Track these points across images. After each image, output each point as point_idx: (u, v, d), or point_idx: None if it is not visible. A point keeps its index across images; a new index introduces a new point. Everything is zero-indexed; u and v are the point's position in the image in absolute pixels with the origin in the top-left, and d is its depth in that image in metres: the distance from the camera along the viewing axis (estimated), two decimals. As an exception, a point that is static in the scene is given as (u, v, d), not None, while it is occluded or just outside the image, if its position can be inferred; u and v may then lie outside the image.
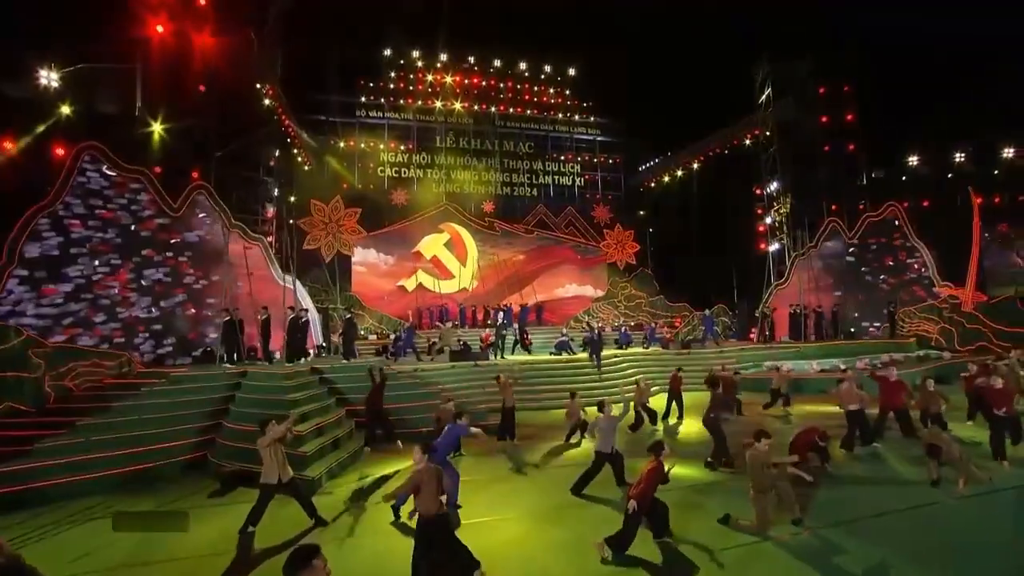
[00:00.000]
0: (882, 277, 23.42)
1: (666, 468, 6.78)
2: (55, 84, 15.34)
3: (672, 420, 13.89)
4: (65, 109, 15.48)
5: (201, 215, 16.11)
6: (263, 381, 12.42)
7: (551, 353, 19.41)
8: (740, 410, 14.15)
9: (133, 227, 15.33)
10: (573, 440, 11.92)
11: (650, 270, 31.38)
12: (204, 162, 17.60)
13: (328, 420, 11.53)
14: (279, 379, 12.13)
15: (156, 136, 16.63)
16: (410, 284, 28.98)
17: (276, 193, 21.14)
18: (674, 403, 13.89)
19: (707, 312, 23.79)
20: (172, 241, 15.75)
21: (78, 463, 9.52)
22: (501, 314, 19.53)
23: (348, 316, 16.87)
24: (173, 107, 16.55)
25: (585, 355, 18.72)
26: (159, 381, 12.34)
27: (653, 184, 33.92)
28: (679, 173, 31.51)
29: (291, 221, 23.48)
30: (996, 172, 26.44)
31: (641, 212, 33.23)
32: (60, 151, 15.32)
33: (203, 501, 8.83)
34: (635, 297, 28.97)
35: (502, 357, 18.57)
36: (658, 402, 14.18)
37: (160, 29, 16.26)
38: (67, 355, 12.71)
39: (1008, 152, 26.63)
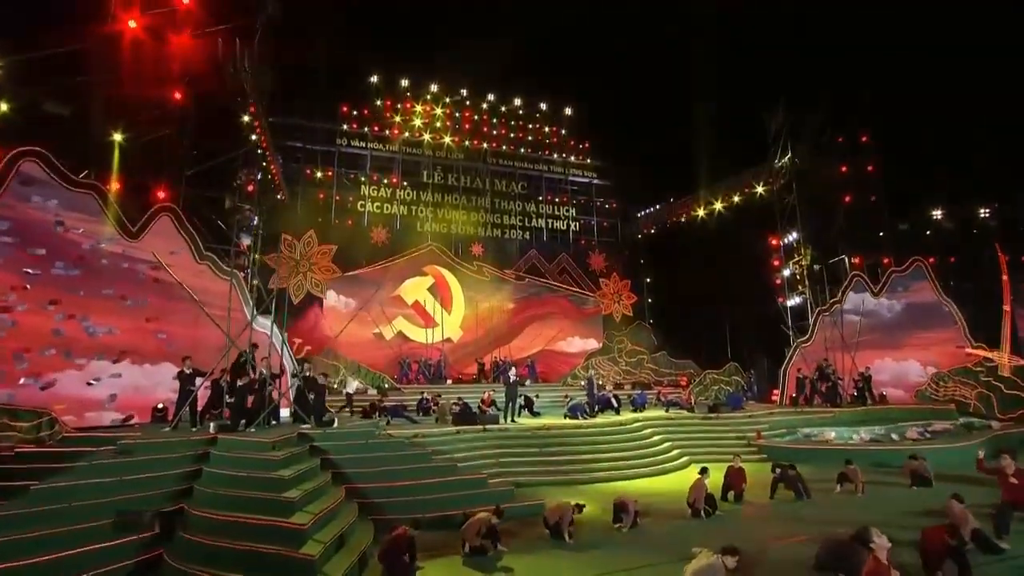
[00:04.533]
0: (912, 335, 22.04)
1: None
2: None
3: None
4: (2, 106, 12.69)
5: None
6: (241, 451, 9.53)
7: (565, 416, 16.95)
8: (807, 491, 12.04)
9: (79, 254, 12.48)
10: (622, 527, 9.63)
11: (649, 323, 29.64)
12: (172, 181, 14.86)
13: (329, 506, 8.74)
14: (267, 448, 9.28)
15: (116, 146, 13.88)
16: (388, 332, 26.32)
17: (256, 222, 18.37)
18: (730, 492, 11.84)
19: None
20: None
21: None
22: (513, 370, 17.03)
23: (300, 378, 12.39)
24: (140, 114, 13.91)
25: (603, 419, 16.83)
26: (100, 450, 9.29)
27: (653, 231, 32.42)
28: (682, 220, 30.07)
29: (255, 256, 20.62)
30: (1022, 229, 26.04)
31: (641, 261, 31.73)
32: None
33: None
34: (636, 352, 26.95)
35: (514, 420, 16.01)
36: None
37: (133, 24, 13.82)
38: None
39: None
